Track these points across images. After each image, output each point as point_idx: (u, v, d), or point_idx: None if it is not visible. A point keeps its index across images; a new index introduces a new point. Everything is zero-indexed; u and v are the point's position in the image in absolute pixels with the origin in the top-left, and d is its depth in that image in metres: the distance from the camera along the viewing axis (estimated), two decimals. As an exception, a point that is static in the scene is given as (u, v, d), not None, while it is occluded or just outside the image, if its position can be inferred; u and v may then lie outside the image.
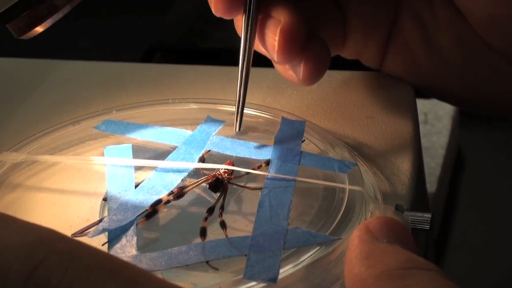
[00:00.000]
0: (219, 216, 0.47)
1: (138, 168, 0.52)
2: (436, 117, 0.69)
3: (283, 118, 0.54)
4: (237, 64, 0.60)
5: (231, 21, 0.82)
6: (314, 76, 0.55)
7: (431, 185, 0.63)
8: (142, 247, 0.46)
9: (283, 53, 0.53)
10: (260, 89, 0.60)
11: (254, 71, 0.61)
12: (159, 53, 0.83)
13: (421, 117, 0.68)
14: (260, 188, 0.48)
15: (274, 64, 0.58)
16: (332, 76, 0.61)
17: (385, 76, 0.60)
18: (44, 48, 0.64)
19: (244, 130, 0.55)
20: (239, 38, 0.78)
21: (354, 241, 0.43)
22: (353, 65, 0.62)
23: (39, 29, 0.50)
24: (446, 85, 0.61)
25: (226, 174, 0.50)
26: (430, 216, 0.48)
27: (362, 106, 0.58)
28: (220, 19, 0.83)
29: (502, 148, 0.72)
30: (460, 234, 0.64)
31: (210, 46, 0.81)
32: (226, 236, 0.46)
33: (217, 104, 0.57)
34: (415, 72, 0.61)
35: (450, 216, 0.65)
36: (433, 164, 0.64)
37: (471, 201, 0.67)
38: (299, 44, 0.53)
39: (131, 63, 0.68)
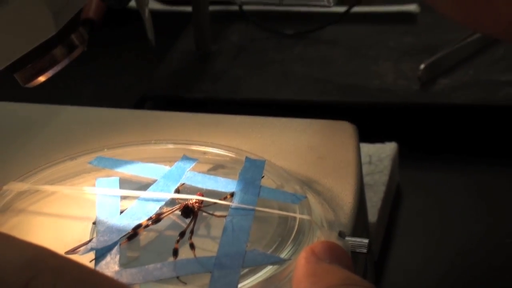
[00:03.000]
0: (189, 239, 0.48)
1: (123, 198, 0.52)
2: (379, 159, 0.69)
3: (246, 157, 0.54)
4: (215, 113, 0.60)
5: (213, 76, 0.83)
6: None
7: (373, 215, 0.63)
8: (124, 264, 0.47)
9: None
10: (229, 134, 0.60)
11: (225, 118, 0.62)
12: (149, 102, 0.83)
13: (366, 159, 0.68)
14: (225, 216, 0.48)
15: None
16: (291, 124, 0.61)
17: (334, 124, 0.60)
18: (51, 95, 0.64)
19: (214, 167, 0.56)
20: (227, 88, 0.79)
21: (301, 261, 0.44)
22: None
23: (41, 78, 0.50)
24: None
25: (197, 204, 0.50)
26: (367, 242, 0.48)
27: (314, 148, 0.58)
28: (203, 74, 0.84)
29: (433, 185, 0.72)
30: (398, 258, 0.64)
31: (193, 97, 0.82)
32: (195, 255, 0.46)
33: (191, 145, 0.57)
34: None
35: (389, 242, 0.65)
36: (375, 198, 0.65)
37: (407, 229, 0.67)
38: None
39: (125, 109, 0.68)
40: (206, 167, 0.55)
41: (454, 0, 0.57)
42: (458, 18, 0.59)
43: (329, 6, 0.65)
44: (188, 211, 0.50)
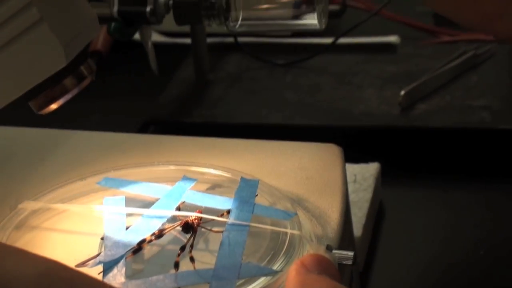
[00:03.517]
0: (189, 252, 0.48)
1: (129, 215, 0.52)
2: (363, 178, 0.69)
3: (241, 177, 0.54)
4: (212, 136, 0.61)
5: (211, 102, 0.83)
6: None
7: (358, 230, 0.63)
8: (129, 276, 0.47)
9: None
10: (225, 155, 0.60)
11: (222, 141, 0.62)
12: (152, 126, 0.83)
13: (351, 178, 0.68)
14: (222, 231, 0.48)
15: None
16: (282, 146, 0.61)
17: (322, 146, 0.61)
18: (62, 121, 0.64)
19: (212, 186, 0.56)
20: (224, 113, 0.79)
21: (292, 273, 0.44)
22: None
23: (53, 106, 0.50)
24: None
25: (196, 220, 0.50)
26: (353, 254, 0.48)
27: (303, 169, 0.58)
28: (202, 100, 0.84)
29: (413, 201, 0.72)
30: (381, 269, 0.64)
31: (193, 121, 0.82)
32: (194, 268, 0.46)
33: (191, 166, 0.57)
34: None
35: (373, 254, 0.65)
36: (360, 214, 0.65)
37: (390, 243, 0.67)
38: None
39: (130, 134, 0.68)
40: (205, 186, 0.55)
41: None
42: (442, 10, 0.60)
43: (320, 29, 0.65)
44: (188, 227, 0.50)
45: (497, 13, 0.58)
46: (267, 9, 0.67)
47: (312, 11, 0.63)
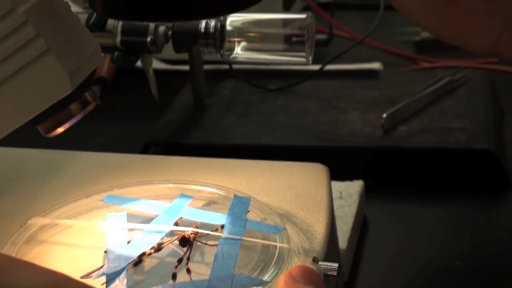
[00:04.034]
0: (186, 264, 0.48)
1: (130, 230, 0.52)
2: (348, 194, 0.69)
3: (234, 195, 0.54)
4: (208, 157, 0.61)
5: (207, 125, 0.83)
6: None
7: (343, 243, 0.63)
8: (130, 287, 0.47)
9: None
10: (220, 174, 0.60)
11: (217, 161, 0.62)
12: (153, 147, 0.83)
13: (337, 195, 0.69)
14: (216, 245, 0.49)
15: None
16: (272, 166, 0.61)
17: (309, 166, 0.61)
18: (69, 143, 0.64)
19: (207, 203, 0.56)
20: (219, 135, 0.79)
21: (280, 283, 0.44)
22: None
23: (60, 129, 0.50)
24: None
25: (192, 235, 0.50)
26: (337, 266, 0.48)
27: (292, 186, 0.58)
28: (199, 123, 0.84)
29: (395, 216, 0.73)
30: (365, 279, 0.64)
31: (190, 143, 0.82)
32: (191, 279, 0.47)
33: (188, 184, 0.57)
34: None
35: (357, 266, 0.65)
36: (345, 228, 0.65)
37: (373, 255, 0.67)
38: None
39: (132, 154, 0.68)
40: (201, 203, 0.56)
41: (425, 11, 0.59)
42: (423, 25, 0.61)
43: (307, 64, 0.65)
44: (185, 241, 0.50)
45: (471, 29, 0.59)
46: (259, 42, 0.67)
47: (302, 48, 0.63)
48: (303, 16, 0.64)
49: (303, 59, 0.61)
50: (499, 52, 0.59)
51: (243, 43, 0.66)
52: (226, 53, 0.68)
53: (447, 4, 0.58)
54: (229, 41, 0.67)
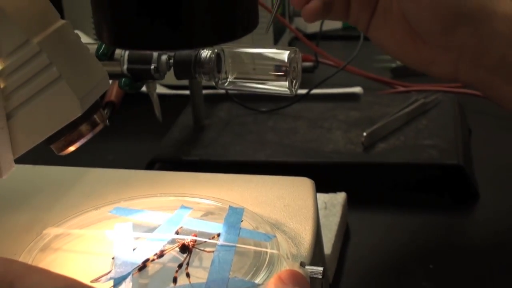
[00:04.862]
0: (185, 269, 0.48)
1: (136, 238, 0.52)
2: (332, 205, 0.69)
3: (230, 206, 0.54)
4: (206, 172, 0.61)
5: (205, 143, 0.83)
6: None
7: (328, 249, 0.63)
8: (135, 289, 0.47)
9: None
10: (216, 188, 0.60)
11: (214, 176, 0.62)
12: (157, 164, 0.83)
13: (322, 205, 0.68)
14: (213, 251, 0.49)
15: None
16: (264, 180, 0.61)
17: (297, 179, 0.61)
18: (80, 160, 0.64)
19: (205, 213, 0.56)
20: (216, 152, 0.79)
21: (270, 286, 0.44)
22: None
23: (71, 148, 0.50)
24: None
25: (192, 242, 0.50)
26: (322, 269, 0.48)
27: (281, 198, 0.58)
28: (198, 142, 0.84)
29: (374, 224, 0.72)
30: (347, 281, 0.64)
31: (190, 159, 0.82)
32: (190, 282, 0.46)
33: (188, 197, 0.57)
34: None
35: (341, 269, 0.65)
36: (330, 235, 0.65)
37: (354, 259, 0.67)
38: None
39: (138, 170, 0.68)
40: (199, 213, 0.56)
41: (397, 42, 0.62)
42: (395, 55, 0.64)
43: (292, 95, 0.65)
44: (185, 248, 0.50)
45: (432, 60, 0.62)
46: (249, 73, 0.68)
47: (285, 79, 0.63)
48: (287, 52, 0.64)
49: (287, 90, 0.61)
50: (458, 78, 0.62)
51: (236, 73, 0.66)
52: (220, 82, 0.68)
53: (413, 39, 0.62)
54: (224, 71, 0.67)
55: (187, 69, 0.69)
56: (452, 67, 0.61)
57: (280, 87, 0.61)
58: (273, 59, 0.61)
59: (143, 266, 0.49)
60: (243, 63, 0.63)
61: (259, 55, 0.62)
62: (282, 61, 0.60)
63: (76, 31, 0.50)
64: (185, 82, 0.82)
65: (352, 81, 0.99)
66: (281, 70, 0.60)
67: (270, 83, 0.62)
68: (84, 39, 0.60)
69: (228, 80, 0.64)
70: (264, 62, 0.61)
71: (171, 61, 0.70)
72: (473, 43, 0.59)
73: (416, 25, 0.60)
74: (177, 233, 0.52)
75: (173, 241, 0.51)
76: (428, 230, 0.71)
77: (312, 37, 1.07)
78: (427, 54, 0.62)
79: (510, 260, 0.65)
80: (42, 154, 0.55)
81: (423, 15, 0.59)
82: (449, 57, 0.61)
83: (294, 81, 0.62)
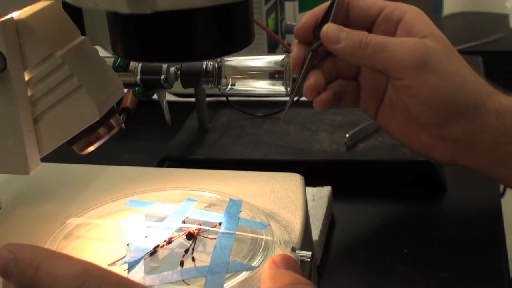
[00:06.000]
0: (191, 254, 0.48)
1: (147, 227, 0.51)
2: (320, 197, 0.69)
3: (230, 198, 0.54)
4: (210, 169, 0.60)
5: (209, 144, 0.82)
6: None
7: (315, 235, 0.63)
8: (147, 272, 0.46)
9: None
10: (218, 183, 0.60)
11: (217, 172, 0.62)
12: (167, 162, 0.82)
13: (310, 197, 0.68)
14: (215, 238, 0.48)
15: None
16: (260, 176, 0.61)
17: (289, 175, 0.60)
18: (98, 159, 0.63)
19: (208, 205, 0.55)
20: (218, 152, 0.79)
21: (265, 268, 0.44)
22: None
23: (91, 148, 0.50)
24: None
25: (197, 230, 0.50)
26: (311, 253, 0.48)
27: (275, 191, 0.58)
28: (203, 143, 0.84)
29: (357, 215, 0.72)
30: (333, 264, 0.64)
31: (196, 158, 0.81)
32: (195, 265, 0.46)
33: (193, 190, 0.57)
34: None
35: (327, 253, 0.65)
36: (317, 224, 0.64)
37: (339, 245, 0.67)
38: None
39: (150, 168, 0.68)
40: (203, 205, 0.55)
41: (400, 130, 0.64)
42: (398, 138, 0.66)
43: (287, 94, 0.65)
44: (190, 235, 0.50)
45: (433, 147, 0.62)
46: (248, 78, 0.67)
47: (281, 81, 0.63)
48: (282, 56, 0.64)
49: (283, 89, 0.61)
50: (456, 163, 0.62)
51: (236, 79, 0.66)
52: (223, 88, 0.67)
53: (415, 128, 0.62)
54: (225, 78, 0.67)
55: (192, 79, 0.69)
56: (450, 154, 0.61)
57: (276, 87, 0.61)
58: (269, 63, 0.61)
59: (154, 252, 0.48)
60: (243, 69, 0.63)
61: (256, 61, 0.62)
62: (278, 63, 0.60)
63: (96, 46, 0.50)
64: (191, 90, 0.82)
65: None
66: (277, 72, 0.60)
67: (268, 85, 0.62)
68: (103, 53, 0.60)
69: (229, 86, 0.63)
70: (261, 68, 0.61)
71: (179, 72, 0.70)
72: (467, 135, 0.59)
73: (415, 117, 0.60)
74: (183, 222, 0.52)
75: (180, 229, 0.51)
76: (403, 218, 0.71)
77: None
78: (427, 142, 0.62)
79: (473, 244, 0.65)
80: (65, 153, 0.54)
81: (421, 109, 0.59)
82: (446, 145, 0.61)
83: (288, 82, 0.62)
